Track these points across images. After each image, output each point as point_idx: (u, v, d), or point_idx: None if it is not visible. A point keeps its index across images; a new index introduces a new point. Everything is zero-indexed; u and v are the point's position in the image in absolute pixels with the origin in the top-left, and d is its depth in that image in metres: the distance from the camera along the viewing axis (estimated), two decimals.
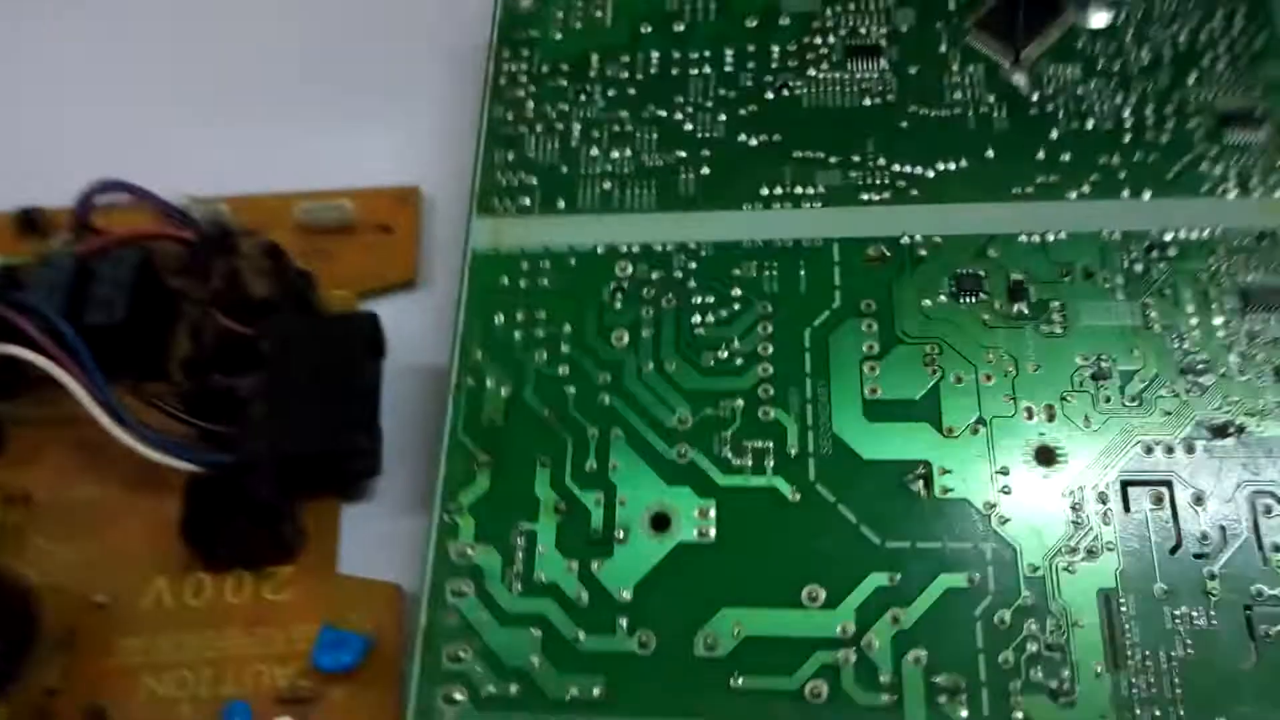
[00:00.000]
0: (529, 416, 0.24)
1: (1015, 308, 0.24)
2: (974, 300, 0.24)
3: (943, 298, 0.24)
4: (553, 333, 0.25)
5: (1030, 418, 0.23)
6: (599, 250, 0.26)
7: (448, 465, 0.23)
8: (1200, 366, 0.23)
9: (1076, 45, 0.27)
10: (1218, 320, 0.24)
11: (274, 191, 0.29)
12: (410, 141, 0.31)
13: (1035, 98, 0.27)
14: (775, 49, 0.28)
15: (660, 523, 0.22)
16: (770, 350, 0.24)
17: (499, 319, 0.25)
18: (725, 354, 0.24)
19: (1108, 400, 0.23)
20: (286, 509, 0.24)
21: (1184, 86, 0.26)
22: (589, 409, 0.24)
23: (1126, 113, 0.26)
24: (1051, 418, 0.23)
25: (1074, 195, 0.25)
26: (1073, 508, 0.22)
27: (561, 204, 0.26)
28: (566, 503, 0.23)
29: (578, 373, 0.24)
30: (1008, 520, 0.22)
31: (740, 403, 0.24)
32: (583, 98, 0.28)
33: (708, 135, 0.27)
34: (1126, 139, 0.26)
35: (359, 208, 0.29)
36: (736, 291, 0.25)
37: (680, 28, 0.28)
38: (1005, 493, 0.22)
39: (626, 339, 0.24)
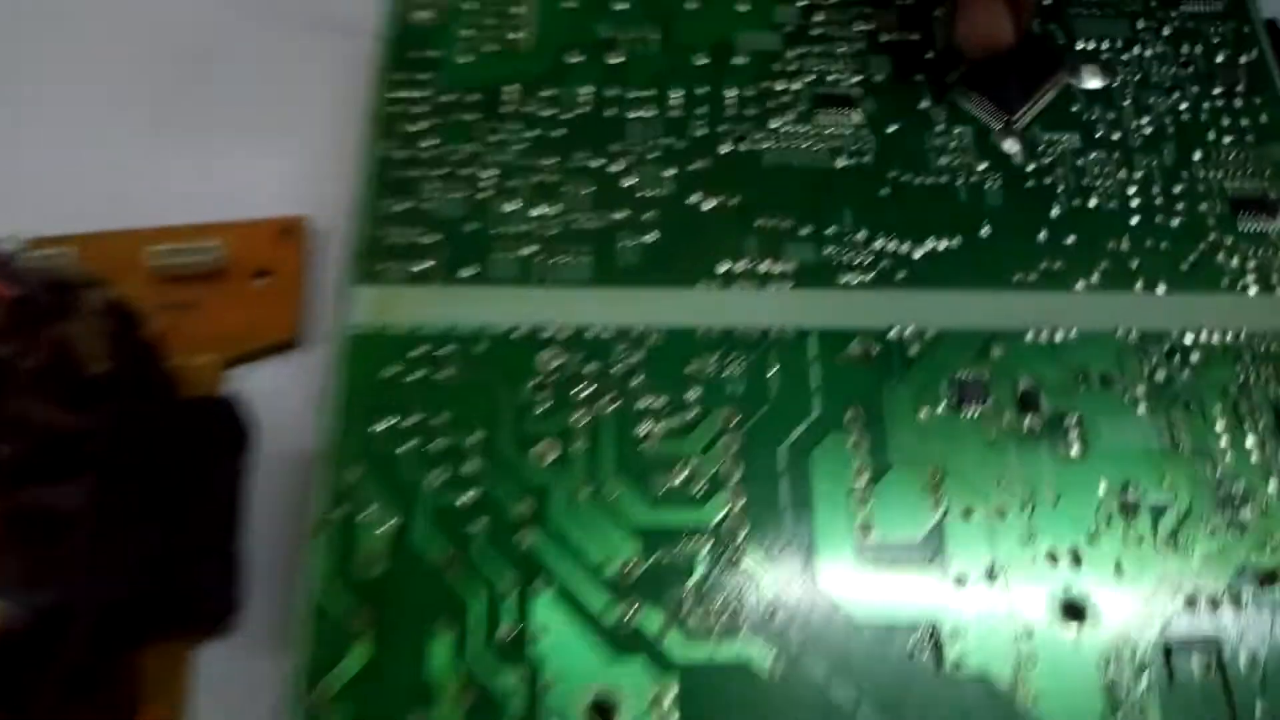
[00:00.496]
0: (422, 562, 0.18)
1: (1026, 422, 0.20)
2: (978, 412, 0.20)
3: (942, 408, 0.20)
4: (455, 444, 0.19)
5: (1054, 563, 0.19)
6: (517, 333, 0.20)
7: (311, 634, 0.17)
8: (1238, 498, 0.20)
9: (1072, 109, 0.23)
10: (1251, 441, 0.20)
11: (127, 228, 0.24)
12: (296, 161, 0.25)
13: (1031, 168, 0.23)
14: (731, 93, 0.23)
15: (603, 713, 0.17)
16: (738, 473, 0.19)
17: (382, 424, 0.19)
18: (683, 477, 0.19)
19: (1140, 541, 0.19)
20: (114, 669, 0.18)
21: (1190, 164, 0.23)
22: (504, 552, 0.18)
23: (1131, 190, 0.23)
24: (1078, 562, 0.19)
25: (1082, 286, 0.21)
26: (1110, 680, 0.18)
27: (469, 271, 0.21)
28: (474, 686, 0.17)
29: (489, 500, 0.19)
30: (1038, 698, 0.18)
31: (705, 544, 0.18)
32: (497, 137, 0.22)
33: (653, 193, 0.22)
34: (1134, 221, 0.22)
35: (230, 247, 0.23)
36: (693, 393, 0.20)
37: (616, 60, 0.23)
38: (1031, 663, 0.18)
39: (554, 455, 0.19)
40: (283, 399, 0.22)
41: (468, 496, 0.19)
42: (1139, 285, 0.21)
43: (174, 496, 0.20)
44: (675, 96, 0.23)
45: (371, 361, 0.20)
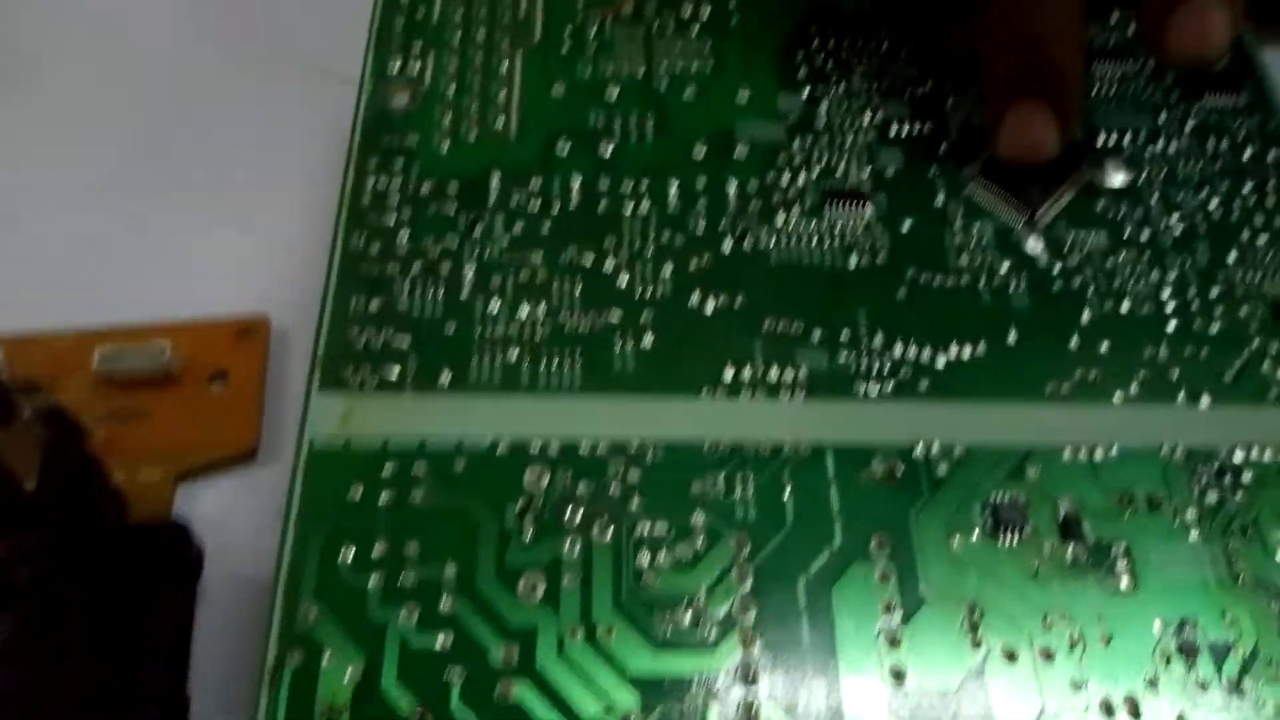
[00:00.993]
0: (390, 715, 0.15)
1: (1070, 551, 0.18)
2: (1017, 539, 0.18)
3: (976, 535, 0.18)
4: (428, 577, 0.17)
5: (1109, 714, 0.16)
6: (500, 449, 0.18)
7: None
8: None
9: (1097, 206, 0.22)
10: None
11: (69, 327, 0.22)
12: (259, 255, 0.23)
13: (1057, 269, 0.21)
14: (732, 185, 0.21)
15: None
16: (753, 611, 0.17)
17: (345, 554, 0.17)
18: (689, 617, 0.17)
19: (1203, 688, 0.17)
20: None
21: (1225, 266, 0.21)
22: (485, 704, 0.16)
23: (1166, 294, 0.21)
24: (1137, 713, 0.16)
25: (1120, 398, 0.20)
26: None
27: (447, 378, 0.19)
28: None
29: (467, 643, 0.16)
30: None
31: (716, 694, 0.16)
32: (478, 232, 0.20)
33: (650, 293, 0.20)
34: (1171, 327, 0.20)
35: (184, 348, 0.22)
36: (699, 518, 0.18)
37: (607, 150, 0.22)
38: None
39: (541, 590, 0.17)
40: (239, 518, 0.20)
41: (443, 639, 0.16)
42: (1181, 397, 0.20)
43: (113, 631, 0.18)
44: (673, 189, 0.21)
45: (334, 481, 0.17)
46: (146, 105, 0.26)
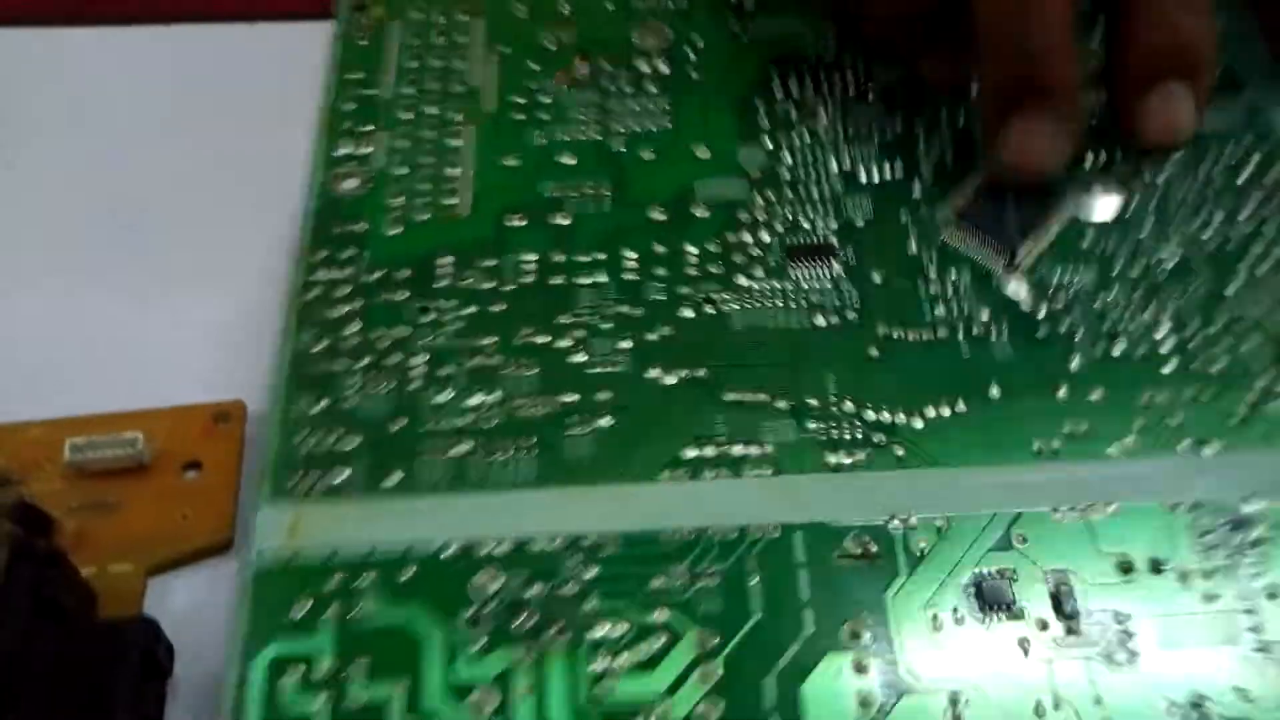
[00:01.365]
0: None
1: (1065, 626, 0.17)
2: (1005, 618, 0.17)
3: (961, 615, 0.17)
4: (376, 696, 0.16)
5: None
6: (449, 552, 0.17)
7: None
8: None
9: (1083, 242, 0.21)
10: None
11: (39, 417, 0.21)
12: (233, 337, 0.22)
13: (1042, 313, 0.20)
14: (692, 249, 0.21)
15: None
16: (717, 714, 0.16)
17: (292, 675, 0.16)
18: None
19: None
20: None
21: (1225, 300, 0.20)
22: None
23: (1162, 333, 0.19)
24: None
25: (1115, 450, 0.18)
26: None
27: (395, 479, 0.18)
28: None
29: None
30: None
31: None
32: (430, 317, 0.20)
33: (607, 370, 0.19)
34: (1169, 369, 0.19)
35: (158, 437, 0.21)
36: (660, 616, 0.16)
37: (564, 221, 0.21)
38: None
39: (492, 705, 0.16)
40: (212, 612, 0.19)
41: None
42: (1185, 445, 0.18)
43: None
44: (630, 258, 0.20)
45: (278, 595, 0.17)
46: (117, 189, 0.26)
